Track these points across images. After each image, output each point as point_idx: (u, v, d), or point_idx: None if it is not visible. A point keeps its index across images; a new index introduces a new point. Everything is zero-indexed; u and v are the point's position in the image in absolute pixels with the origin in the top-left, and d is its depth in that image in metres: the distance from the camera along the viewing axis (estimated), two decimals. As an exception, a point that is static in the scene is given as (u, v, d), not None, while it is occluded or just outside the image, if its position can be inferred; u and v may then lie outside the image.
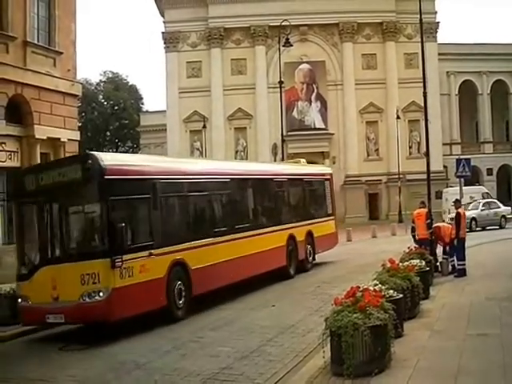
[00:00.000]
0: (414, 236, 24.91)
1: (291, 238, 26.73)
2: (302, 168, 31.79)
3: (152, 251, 17.41)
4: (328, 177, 32.82)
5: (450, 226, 25.06)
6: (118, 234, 15.90)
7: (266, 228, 25.00)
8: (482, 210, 50.27)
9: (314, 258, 29.21)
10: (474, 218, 47.84)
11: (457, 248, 23.76)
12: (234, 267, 21.55)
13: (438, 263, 23.70)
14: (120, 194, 16.71)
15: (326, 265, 30.37)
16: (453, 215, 26.54)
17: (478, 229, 47.25)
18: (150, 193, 18.05)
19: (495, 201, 54.98)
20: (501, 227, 49.44)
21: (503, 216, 51.50)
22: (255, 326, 16.93)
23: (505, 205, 55.22)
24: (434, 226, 24.77)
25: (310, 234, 28.62)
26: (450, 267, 24.09)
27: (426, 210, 25.04)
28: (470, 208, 47.86)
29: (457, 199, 26.04)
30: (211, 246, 20.68)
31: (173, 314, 18.18)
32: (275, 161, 51.64)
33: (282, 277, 25.54)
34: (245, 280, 22.44)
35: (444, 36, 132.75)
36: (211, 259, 20.37)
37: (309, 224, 28.71)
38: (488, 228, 48.63)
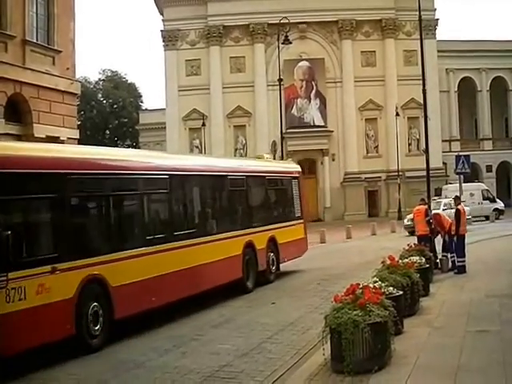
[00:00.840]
0: (408, 227, 24.70)
1: (249, 245, 23.22)
2: (264, 164, 27.92)
3: (56, 265, 13.71)
4: (296, 175, 29.28)
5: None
6: None
7: (216, 235, 21.27)
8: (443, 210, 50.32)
9: (278, 268, 25.53)
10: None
11: (457, 245, 23.80)
12: (172, 283, 18.05)
13: (437, 260, 23.73)
14: (9, 193, 13.05)
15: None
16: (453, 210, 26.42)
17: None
18: (56, 191, 14.31)
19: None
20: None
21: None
22: (255, 324, 16.95)
23: (504, 202, 55.30)
24: (433, 213, 24.92)
25: (272, 240, 25.06)
26: (450, 264, 24.11)
27: (425, 207, 25.08)
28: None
29: (456, 196, 26.09)
30: (141, 258, 16.84)
31: (84, 343, 14.56)
32: (274, 158, 51.21)
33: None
34: (189, 297, 19.13)
35: (443, 33, 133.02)
36: (141, 274, 16.71)
37: (272, 229, 25.14)
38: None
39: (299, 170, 30.32)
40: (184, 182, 20.25)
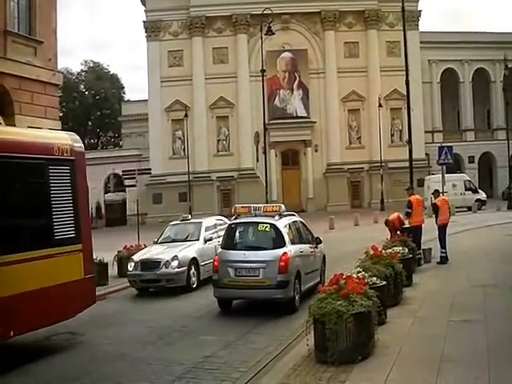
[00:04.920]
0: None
1: None
2: None
3: None
4: (68, 156, 15.07)
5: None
6: None
7: None
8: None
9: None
10: None
11: (439, 236, 23.92)
12: None
13: (420, 250, 23.74)
14: None
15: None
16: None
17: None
18: None
19: None
20: None
21: None
22: (238, 314, 16.94)
23: (486, 193, 55.54)
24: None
25: None
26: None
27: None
28: None
29: (436, 190, 26.21)
30: None
31: None
32: (257, 150, 50.67)
33: None
34: None
35: (426, 24, 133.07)
36: None
37: None
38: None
39: (78, 144, 15.83)
40: None
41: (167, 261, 21.61)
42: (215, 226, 25.08)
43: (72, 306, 14.72)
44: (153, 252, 22.98)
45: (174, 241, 24.01)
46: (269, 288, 16.94)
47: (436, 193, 25.51)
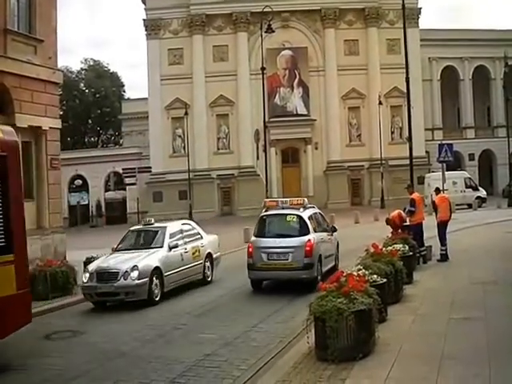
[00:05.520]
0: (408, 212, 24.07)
1: None
2: None
3: None
4: (1, 152, 13.13)
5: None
6: None
7: None
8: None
9: None
10: None
11: (438, 233, 23.92)
12: None
13: (424, 247, 23.69)
14: None
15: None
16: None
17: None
18: None
19: None
20: None
21: None
22: (239, 313, 16.95)
23: (487, 190, 55.60)
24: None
25: None
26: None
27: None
28: None
29: (437, 187, 26.21)
30: None
31: None
32: (257, 148, 50.67)
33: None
34: None
35: (426, 22, 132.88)
36: None
37: None
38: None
39: (11, 138, 13.81)
40: None
41: (126, 271, 19.12)
42: (181, 231, 22.73)
43: (1, 326, 12.73)
44: (110, 261, 20.20)
45: (135, 248, 21.39)
46: (296, 269, 19.86)
47: (437, 190, 25.54)
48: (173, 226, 22.69)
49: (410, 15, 66.25)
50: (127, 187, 65.78)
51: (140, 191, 62.17)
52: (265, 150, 48.08)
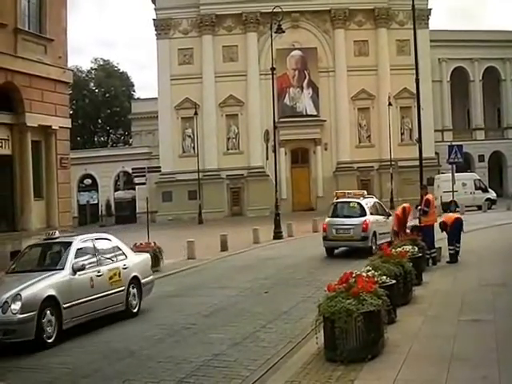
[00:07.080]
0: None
1: None
2: None
3: None
4: None
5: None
6: None
7: None
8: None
9: None
10: None
11: (449, 234, 23.82)
12: None
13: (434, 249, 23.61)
14: None
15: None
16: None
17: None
18: None
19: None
20: None
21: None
22: (247, 313, 16.94)
23: (496, 192, 55.49)
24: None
25: None
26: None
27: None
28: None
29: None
30: None
31: None
32: (267, 149, 50.54)
33: None
34: None
35: (436, 23, 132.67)
36: None
37: None
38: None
39: None
40: None
41: (5, 302, 13.85)
42: (94, 248, 17.19)
43: None
44: None
45: (30, 270, 16.10)
46: (356, 240, 27.98)
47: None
48: (82, 242, 17.03)
49: (420, 16, 66.18)
50: (137, 187, 65.67)
51: (149, 191, 62.26)
52: (274, 151, 48.03)
